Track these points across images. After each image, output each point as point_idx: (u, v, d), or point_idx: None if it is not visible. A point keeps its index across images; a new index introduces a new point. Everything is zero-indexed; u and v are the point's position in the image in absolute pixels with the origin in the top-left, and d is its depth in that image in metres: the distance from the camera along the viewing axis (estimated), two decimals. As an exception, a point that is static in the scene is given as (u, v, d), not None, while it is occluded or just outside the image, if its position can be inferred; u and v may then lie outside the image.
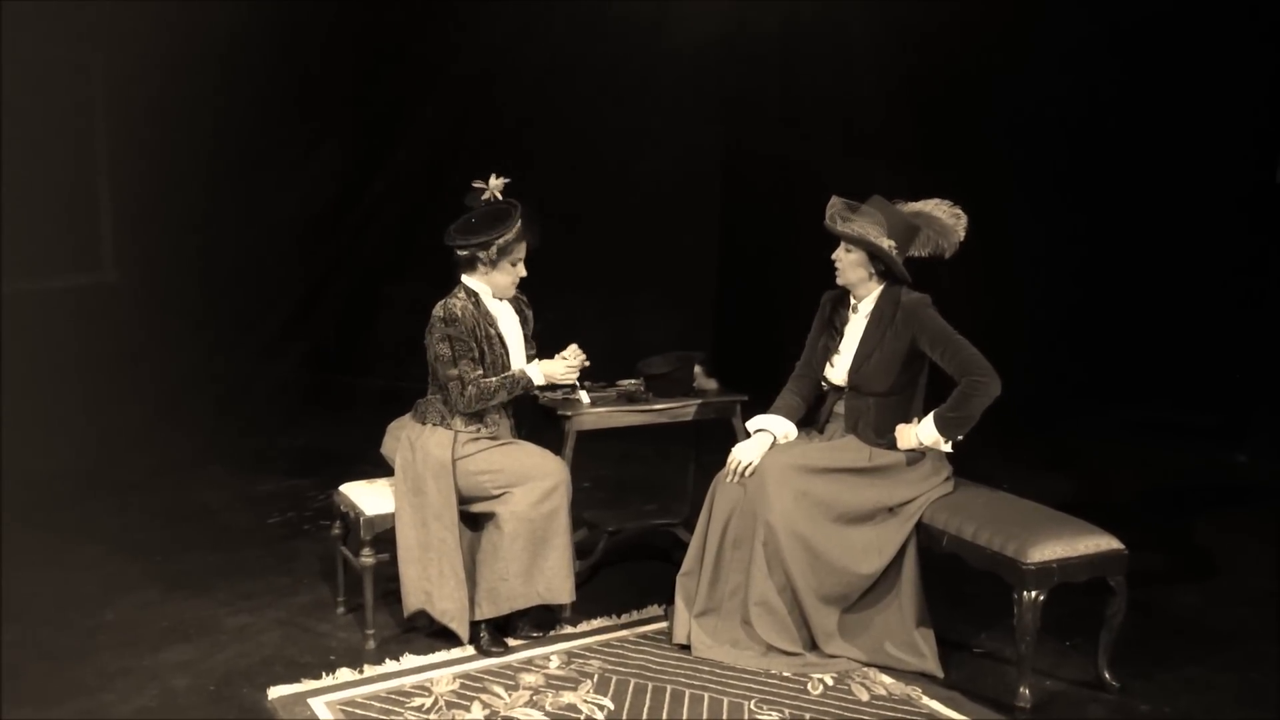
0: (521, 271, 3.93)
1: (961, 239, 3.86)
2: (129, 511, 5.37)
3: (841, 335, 3.90)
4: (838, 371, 3.90)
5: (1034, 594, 3.40)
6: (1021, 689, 3.49)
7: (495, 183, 3.92)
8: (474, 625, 3.84)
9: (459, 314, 3.82)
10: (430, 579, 3.80)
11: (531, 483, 3.80)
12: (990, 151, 6.79)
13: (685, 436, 4.80)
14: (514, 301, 4.07)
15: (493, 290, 3.93)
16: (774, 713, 3.44)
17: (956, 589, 4.13)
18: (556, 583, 3.83)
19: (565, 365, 3.93)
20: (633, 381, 4.40)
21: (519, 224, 3.85)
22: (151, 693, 3.58)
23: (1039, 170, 6.85)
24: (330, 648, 3.92)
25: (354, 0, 7.46)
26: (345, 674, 3.68)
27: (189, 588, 4.43)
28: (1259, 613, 4.24)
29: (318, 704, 3.49)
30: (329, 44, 7.49)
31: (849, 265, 3.82)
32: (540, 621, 3.98)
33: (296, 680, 3.63)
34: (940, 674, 3.67)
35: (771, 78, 7.43)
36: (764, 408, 4.01)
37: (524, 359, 4.02)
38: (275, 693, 3.56)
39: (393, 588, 4.12)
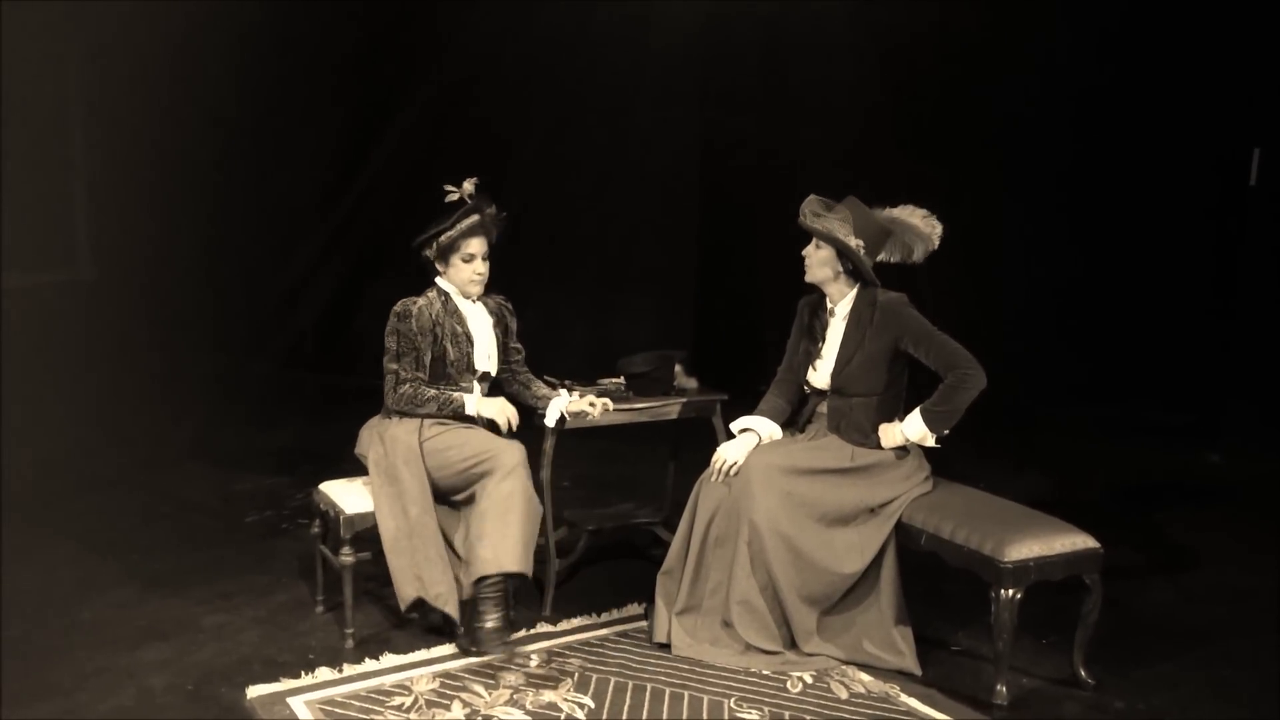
0: (477, 268, 3.94)
1: (935, 247, 3.86)
2: (105, 509, 5.33)
3: (823, 339, 3.91)
4: (821, 375, 3.91)
5: (1011, 592, 3.43)
6: (998, 686, 3.51)
7: (467, 185, 3.94)
8: (463, 609, 3.80)
9: (414, 311, 3.88)
10: (419, 564, 3.79)
11: (493, 462, 3.81)
12: (970, 151, 6.84)
13: (665, 435, 4.80)
14: (496, 307, 4.09)
15: (458, 289, 3.96)
16: (754, 711, 3.45)
17: (935, 587, 4.15)
18: (517, 552, 3.74)
19: (500, 406, 3.94)
20: (613, 380, 4.41)
21: (465, 221, 3.87)
22: (128, 692, 3.56)
23: (1018, 171, 6.90)
24: (309, 647, 3.90)
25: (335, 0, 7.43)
26: (324, 673, 3.67)
27: (166, 586, 4.41)
28: (1232, 610, 4.29)
29: (296, 703, 3.48)
30: (310, 41, 7.45)
31: (817, 263, 3.84)
32: (514, 621, 3.96)
33: (275, 679, 3.62)
34: (918, 672, 3.70)
35: (753, 76, 7.44)
36: (744, 407, 4.02)
37: (491, 362, 4.05)
38: (254, 692, 3.54)
39: (371, 587, 4.11)
